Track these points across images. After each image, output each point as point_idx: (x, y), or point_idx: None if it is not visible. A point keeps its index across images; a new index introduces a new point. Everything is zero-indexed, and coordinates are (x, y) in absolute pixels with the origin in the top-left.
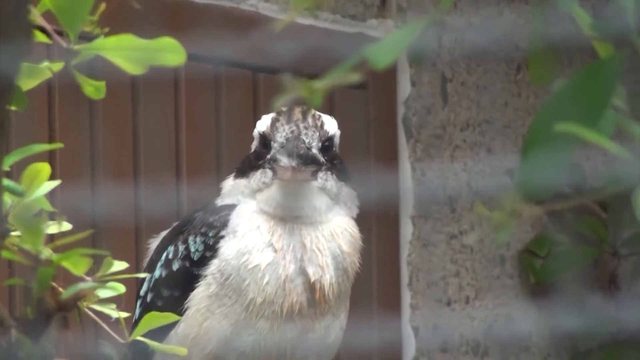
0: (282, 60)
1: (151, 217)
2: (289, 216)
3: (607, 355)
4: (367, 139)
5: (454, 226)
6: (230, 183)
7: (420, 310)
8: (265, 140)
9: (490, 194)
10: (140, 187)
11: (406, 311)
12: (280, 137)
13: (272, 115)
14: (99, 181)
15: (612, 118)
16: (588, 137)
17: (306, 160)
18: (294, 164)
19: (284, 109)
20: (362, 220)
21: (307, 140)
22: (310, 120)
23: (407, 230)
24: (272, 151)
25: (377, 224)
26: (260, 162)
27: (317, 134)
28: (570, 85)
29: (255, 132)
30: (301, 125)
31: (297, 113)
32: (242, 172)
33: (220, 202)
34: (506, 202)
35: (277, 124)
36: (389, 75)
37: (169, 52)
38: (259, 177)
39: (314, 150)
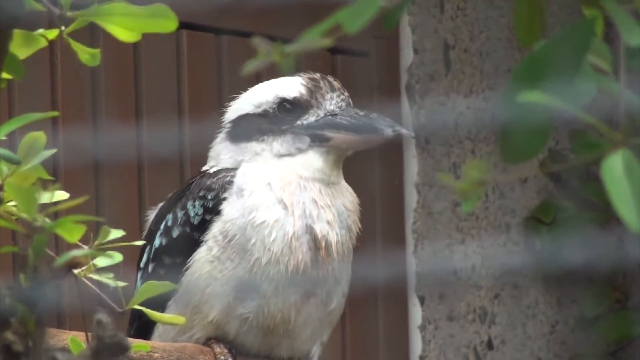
0: None
1: (154, 156)
2: (323, 180)
3: (614, 321)
4: (369, 107)
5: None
6: (229, 147)
7: (426, 278)
8: (296, 106)
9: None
10: (143, 126)
11: (412, 281)
12: (329, 105)
13: (297, 81)
14: (102, 121)
15: (593, 78)
16: (556, 105)
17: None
18: (389, 131)
19: (304, 74)
20: (365, 188)
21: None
22: (341, 87)
23: (411, 198)
24: (316, 118)
25: (380, 191)
26: (285, 128)
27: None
28: (547, 45)
29: (269, 97)
30: (345, 93)
31: (332, 81)
32: (246, 136)
33: (214, 166)
34: (472, 171)
35: (320, 91)
36: (391, 43)
37: (162, 18)
38: (291, 141)
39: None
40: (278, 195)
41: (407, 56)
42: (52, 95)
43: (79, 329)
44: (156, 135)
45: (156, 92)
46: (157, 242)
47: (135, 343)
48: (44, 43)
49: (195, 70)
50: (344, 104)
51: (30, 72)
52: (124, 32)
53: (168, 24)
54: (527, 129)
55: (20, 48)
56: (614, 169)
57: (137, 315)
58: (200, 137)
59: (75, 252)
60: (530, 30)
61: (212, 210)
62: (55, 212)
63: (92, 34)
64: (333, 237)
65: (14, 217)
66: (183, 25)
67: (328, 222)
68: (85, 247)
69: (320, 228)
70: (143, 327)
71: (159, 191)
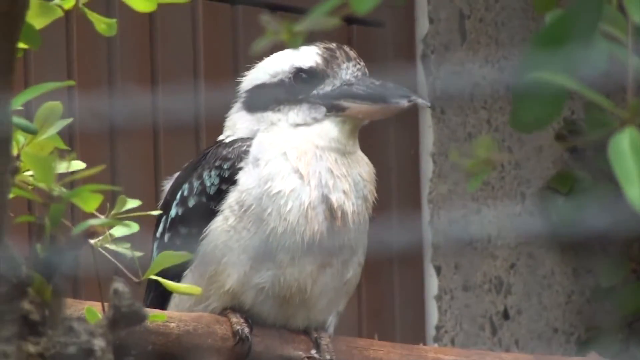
0: None
1: (170, 122)
2: (339, 150)
3: (630, 292)
4: (384, 76)
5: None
6: (245, 117)
7: (442, 248)
8: (311, 76)
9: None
10: (159, 92)
11: (428, 250)
12: (345, 74)
13: (313, 50)
14: (118, 89)
15: (605, 47)
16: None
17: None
18: (405, 101)
19: (319, 44)
20: (381, 158)
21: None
22: (357, 57)
23: (427, 167)
24: (332, 88)
25: (396, 161)
26: (301, 97)
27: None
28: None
29: (285, 66)
30: (361, 63)
31: (348, 50)
32: (262, 106)
33: (230, 136)
34: (479, 150)
35: (336, 61)
36: (407, 13)
37: None
38: (307, 111)
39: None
40: (294, 165)
41: (423, 26)
42: (67, 65)
43: (94, 299)
44: (172, 101)
45: (172, 59)
46: (173, 212)
47: (152, 313)
48: (60, 13)
49: (211, 40)
50: (359, 73)
51: (46, 41)
52: (140, 2)
53: None
54: (541, 98)
55: (37, 18)
56: (621, 147)
57: (153, 285)
58: (216, 103)
59: (92, 221)
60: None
61: (228, 180)
62: (71, 181)
63: (108, 3)
64: (349, 207)
65: (30, 187)
66: None
67: (344, 192)
68: (102, 216)
69: (336, 198)
70: (159, 296)
71: (175, 159)
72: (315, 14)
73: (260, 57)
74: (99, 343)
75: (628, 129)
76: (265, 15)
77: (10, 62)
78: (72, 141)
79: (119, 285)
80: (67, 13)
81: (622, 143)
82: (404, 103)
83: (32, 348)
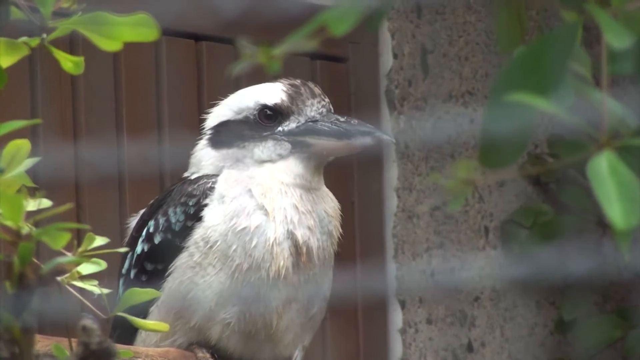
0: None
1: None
2: (304, 186)
3: (592, 325)
4: (348, 112)
5: (437, 197)
6: (210, 153)
7: (406, 282)
8: (277, 113)
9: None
10: (123, 141)
11: (392, 284)
12: (310, 111)
13: (278, 87)
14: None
15: (572, 84)
16: (542, 106)
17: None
18: (369, 138)
19: (284, 81)
20: (344, 192)
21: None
22: (322, 93)
23: (391, 202)
24: (297, 125)
25: (359, 196)
26: (266, 134)
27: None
28: (528, 51)
29: (250, 103)
30: (326, 99)
31: (313, 87)
32: (228, 142)
33: (195, 172)
34: (460, 171)
35: (300, 98)
36: (371, 48)
37: (143, 27)
38: (272, 148)
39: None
40: (259, 201)
41: (387, 61)
42: (31, 103)
43: (60, 335)
44: (137, 152)
45: (135, 106)
46: (139, 249)
47: (120, 349)
48: (26, 51)
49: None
50: (324, 110)
51: (10, 79)
52: (106, 41)
53: (150, 32)
54: (508, 134)
55: (3, 56)
56: (600, 170)
57: (120, 322)
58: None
59: (61, 259)
60: (510, 36)
61: (194, 217)
62: (35, 220)
63: (72, 42)
64: (314, 243)
65: None
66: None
67: (309, 228)
68: (69, 254)
69: (301, 234)
70: (126, 332)
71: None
72: (293, 37)
73: (224, 94)
74: None
75: (605, 152)
76: (242, 40)
77: None
78: (37, 183)
79: (88, 321)
80: (31, 56)
81: (601, 165)
82: (368, 140)
83: None
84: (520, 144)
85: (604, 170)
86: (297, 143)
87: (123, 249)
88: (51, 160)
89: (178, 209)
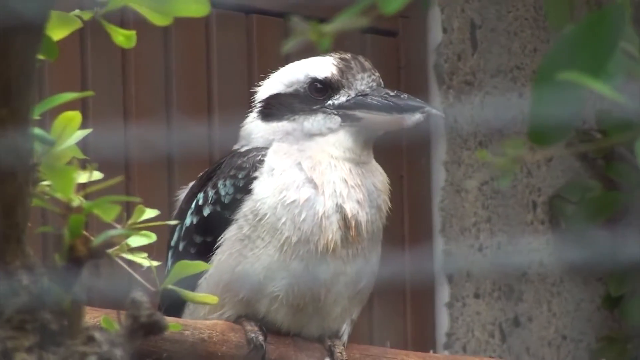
0: None
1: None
2: (353, 160)
3: (637, 302)
4: (397, 86)
5: (486, 173)
6: (260, 126)
7: (453, 256)
8: (327, 86)
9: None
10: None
11: (439, 258)
12: (360, 85)
13: (329, 61)
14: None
15: (621, 63)
16: (591, 85)
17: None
18: (418, 112)
19: (335, 54)
20: (393, 166)
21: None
22: (372, 67)
23: (439, 176)
24: (347, 98)
25: (408, 170)
26: (316, 107)
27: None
28: (577, 29)
29: (300, 76)
30: (376, 73)
31: (363, 61)
32: (278, 115)
33: (245, 145)
34: (509, 148)
35: (351, 72)
36: (420, 22)
37: (195, 2)
38: (321, 121)
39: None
40: (308, 175)
41: (436, 36)
42: (82, 76)
43: (109, 308)
44: (186, 127)
45: (185, 81)
46: (188, 221)
47: (169, 322)
48: (79, 24)
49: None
50: (374, 84)
51: (61, 53)
52: (157, 16)
53: (201, 8)
54: (557, 112)
55: (55, 29)
56: None
57: (168, 295)
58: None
59: (112, 232)
60: (559, 12)
61: (243, 189)
62: (85, 193)
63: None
64: (363, 217)
65: (46, 197)
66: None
67: (358, 202)
68: (119, 226)
69: (350, 207)
70: (174, 305)
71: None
72: (344, 15)
73: (275, 68)
74: (119, 353)
75: None
76: (294, 17)
77: (32, 72)
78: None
79: (137, 294)
80: (81, 29)
81: None
82: (419, 116)
83: (51, 358)
84: (569, 123)
85: None
86: (347, 117)
87: (173, 222)
88: (101, 134)
89: (227, 182)
